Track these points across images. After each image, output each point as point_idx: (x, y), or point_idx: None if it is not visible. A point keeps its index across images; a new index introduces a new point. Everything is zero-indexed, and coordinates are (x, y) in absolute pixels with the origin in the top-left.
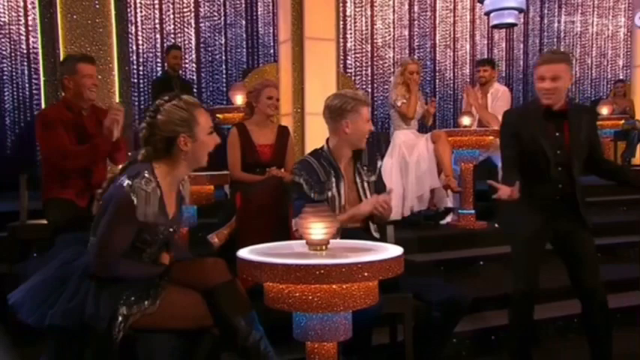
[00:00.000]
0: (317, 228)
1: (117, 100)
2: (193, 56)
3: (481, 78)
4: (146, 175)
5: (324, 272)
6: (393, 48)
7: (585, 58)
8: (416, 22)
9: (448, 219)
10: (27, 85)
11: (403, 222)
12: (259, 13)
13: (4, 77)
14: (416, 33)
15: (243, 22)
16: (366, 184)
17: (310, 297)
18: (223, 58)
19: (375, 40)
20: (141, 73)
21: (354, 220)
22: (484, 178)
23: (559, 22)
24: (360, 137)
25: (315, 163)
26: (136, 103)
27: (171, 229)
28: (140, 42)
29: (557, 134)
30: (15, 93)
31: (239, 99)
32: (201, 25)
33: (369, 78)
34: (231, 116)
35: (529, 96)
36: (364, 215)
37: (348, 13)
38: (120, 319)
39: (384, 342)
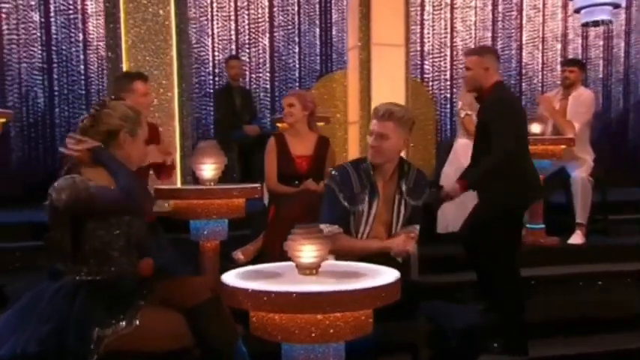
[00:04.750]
0: (307, 251)
1: (176, 114)
2: (267, 65)
3: (566, 79)
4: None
5: (309, 301)
6: None
7: None
8: (500, 22)
9: None
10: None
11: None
12: (334, 20)
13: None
14: (500, 34)
15: (317, 29)
16: (402, 206)
17: (292, 327)
18: (297, 66)
19: (454, 44)
20: (217, 83)
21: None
22: (557, 189)
23: None
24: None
25: (353, 172)
26: (212, 113)
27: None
28: (216, 53)
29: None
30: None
31: None
32: (275, 34)
33: (448, 83)
34: None
35: (631, 97)
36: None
37: (425, 17)
38: (93, 341)
39: None
